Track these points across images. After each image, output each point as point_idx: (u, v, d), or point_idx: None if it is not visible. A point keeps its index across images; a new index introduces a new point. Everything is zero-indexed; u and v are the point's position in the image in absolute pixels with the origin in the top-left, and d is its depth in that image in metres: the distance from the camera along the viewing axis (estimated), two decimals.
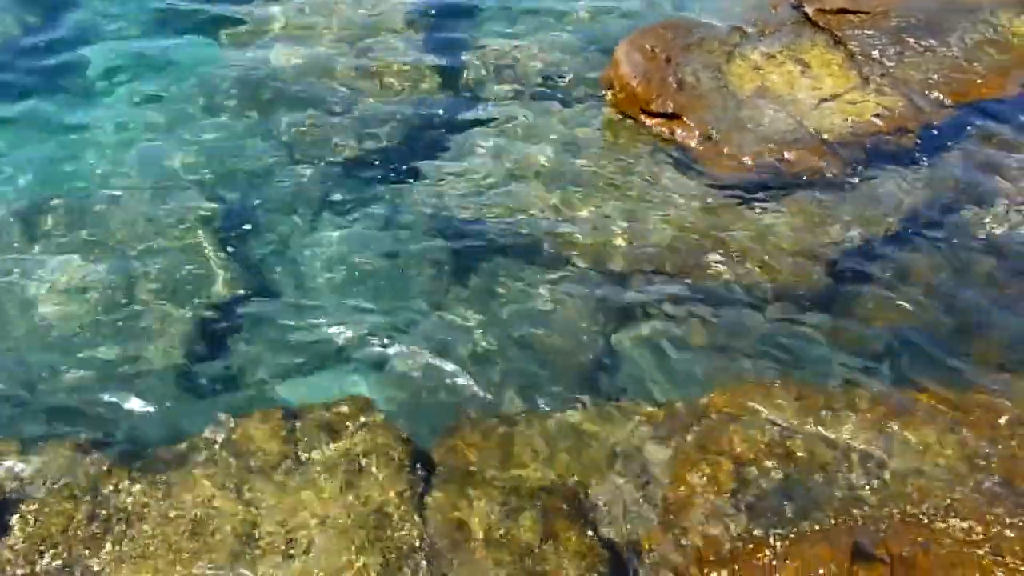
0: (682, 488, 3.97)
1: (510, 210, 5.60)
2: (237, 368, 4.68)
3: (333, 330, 4.85)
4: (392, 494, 3.89)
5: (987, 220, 5.52)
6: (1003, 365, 4.66)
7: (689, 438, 4.19)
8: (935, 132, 6.03)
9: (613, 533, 3.84)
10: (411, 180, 5.82)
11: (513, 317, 4.95)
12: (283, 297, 5.05)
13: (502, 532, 3.77)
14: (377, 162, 5.96)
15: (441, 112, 6.43)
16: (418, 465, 4.05)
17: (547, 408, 4.42)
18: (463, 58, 7.03)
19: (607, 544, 3.77)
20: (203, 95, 6.52)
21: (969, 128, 6.12)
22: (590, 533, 3.79)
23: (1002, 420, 4.19)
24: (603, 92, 6.53)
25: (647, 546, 3.74)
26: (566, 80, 6.84)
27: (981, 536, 3.64)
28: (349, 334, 4.83)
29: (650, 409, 4.39)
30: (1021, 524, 3.67)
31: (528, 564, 3.66)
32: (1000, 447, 4.06)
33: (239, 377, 4.65)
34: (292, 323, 4.88)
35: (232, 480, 3.93)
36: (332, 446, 4.10)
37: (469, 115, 6.42)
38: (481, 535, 3.76)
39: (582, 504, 3.93)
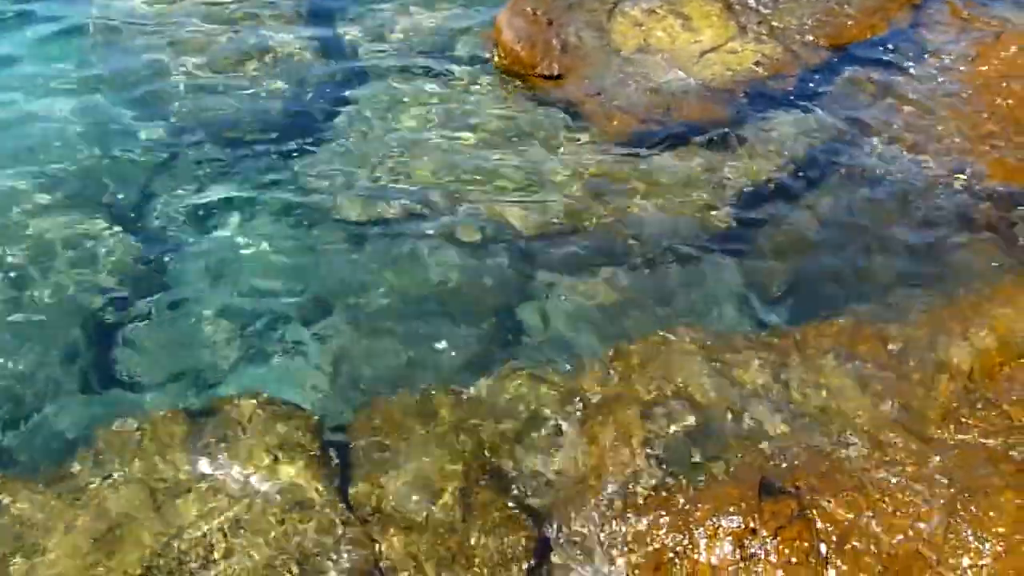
0: (595, 446, 4.02)
1: (405, 182, 5.52)
2: (137, 370, 4.50)
3: (233, 322, 4.71)
4: (308, 484, 3.83)
5: (867, 155, 5.73)
6: (892, 293, 4.87)
7: (598, 395, 4.24)
8: (813, 75, 6.21)
9: (534, 502, 3.87)
10: (299, 160, 5.65)
11: (417, 291, 4.90)
12: (177, 290, 4.86)
13: (423, 513, 3.76)
14: (264, 144, 5.74)
15: (327, 88, 6.26)
16: (332, 451, 4.00)
17: (458, 381, 4.40)
18: (345, 29, 6.84)
19: (529, 513, 3.80)
20: (77, 81, 6.18)
21: (844, 69, 6.32)
22: (511, 504, 3.81)
23: (891, 347, 4.37)
24: (489, 56, 6.47)
25: (567, 510, 3.79)
26: (452, 46, 6.73)
27: (879, 458, 3.81)
28: (250, 324, 4.70)
29: (560, 372, 4.43)
30: (914, 445, 3.86)
31: (451, 542, 3.67)
32: (892, 372, 4.24)
33: (139, 379, 4.46)
34: (190, 318, 4.72)
35: (140, 487, 3.80)
36: (242, 442, 4.00)
37: (355, 89, 6.28)
38: (401, 517, 3.75)
39: (500, 475, 3.94)
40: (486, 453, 4.03)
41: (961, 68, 6.22)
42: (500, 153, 5.72)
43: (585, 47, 6.27)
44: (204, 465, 3.90)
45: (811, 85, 6.13)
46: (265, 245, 5.11)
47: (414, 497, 3.82)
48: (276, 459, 3.92)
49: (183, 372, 4.49)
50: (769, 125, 5.84)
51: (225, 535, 3.64)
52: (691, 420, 4.08)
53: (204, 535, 3.64)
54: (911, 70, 6.29)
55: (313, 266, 5.02)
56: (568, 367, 4.48)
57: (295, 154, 5.69)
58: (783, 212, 5.35)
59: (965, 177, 5.54)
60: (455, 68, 6.49)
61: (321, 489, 3.81)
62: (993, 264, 5.00)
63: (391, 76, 6.39)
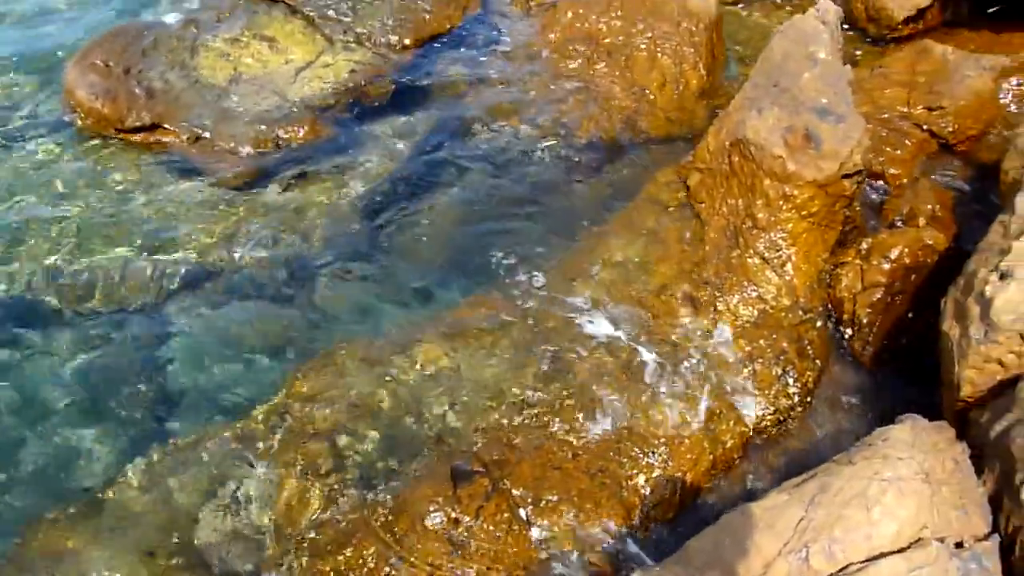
0: (287, 489, 3.88)
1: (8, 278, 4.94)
2: None
3: None
4: None
5: (473, 133, 6.03)
6: (531, 262, 5.16)
7: (277, 438, 4.09)
8: (406, 73, 6.42)
9: (237, 565, 3.65)
10: None
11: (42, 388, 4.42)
12: None
13: None
14: None
15: None
16: None
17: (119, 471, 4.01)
18: None
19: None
20: None
21: (434, 60, 6.61)
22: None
23: (533, 305, 4.66)
24: (69, 118, 5.91)
25: (264, 570, 3.61)
26: (24, 113, 6.09)
27: (549, 416, 4.06)
28: None
29: (227, 423, 4.20)
30: (577, 394, 4.15)
31: None
32: (541, 330, 4.52)
33: None
34: None
35: None
36: None
37: None
38: None
39: (190, 551, 3.66)
40: (175, 536, 3.72)
41: (532, 39, 6.77)
42: (112, 223, 5.27)
43: (174, 89, 5.95)
44: None
45: (406, 82, 6.34)
46: None
47: None
48: None
49: None
50: (377, 129, 5.96)
51: None
52: (375, 433, 4.07)
53: None
54: (492, 49, 6.74)
55: None
56: (236, 415, 4.26)
57: None
58: (411, 206, 5.48)
59: (562, 134, 6.05)
60: (36, 141, 5.86)
61: None
62: (601, 204, 5.52)
63: None
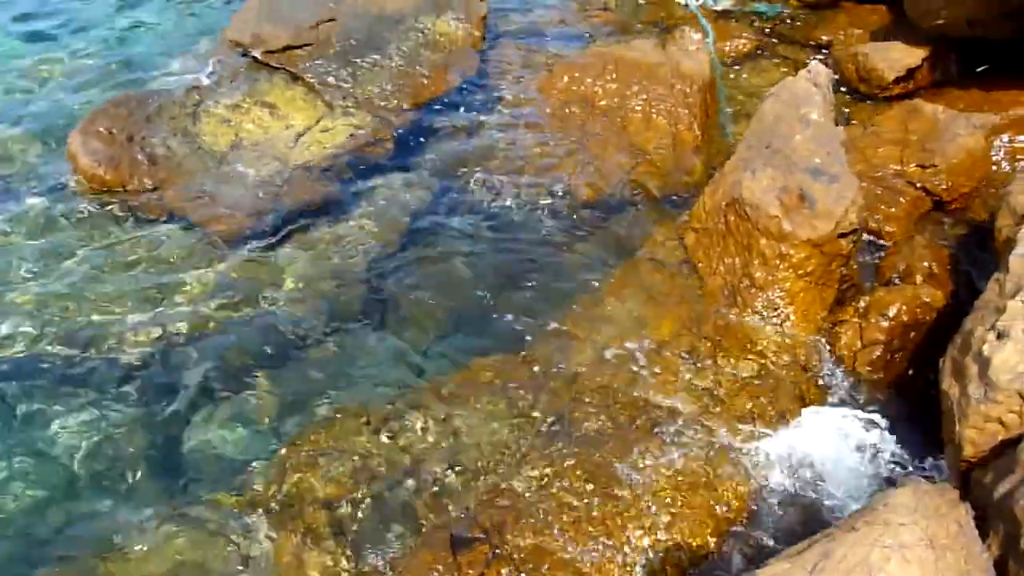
0: (285, 555, 3.84)
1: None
2: None
3: None
4: None
5: (473, 191, 6.09)
6: (532, 322, 5.16)
7: (277, 500, 4.06)
8: (406, 135, 6.53)
9: None
10: None
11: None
12: None
13: None
14: None
15: None
16: None
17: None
18: None
19: None
20: None
21: (432, 123, 6.72)
22: None
23: (537, 369, 4.66)
24: (73, 183, 5.99)
25: None
26: (29, 178, 6.19)
27: (550, 475, 4.03)
28: None
29: (231, 490, 4.17)
30: (576, 455, 4.13)
31: None
32: (543, 395, 4.51)
33: None
34: None
35: None
36: None
37: None
38: None
39: None
40: None
41: (530, 102, 6.89)
42: (115, 289, 5.31)
43: (176, 155, 6.04)
44: None
45: (406, 144, 6.44)
46: None
47: None
48: None
49: None
50: (378, 190, 6.02)
51: None
52: (375, 498, 4.04)
53: None
54: (490, 111, 6.85)
55: None
56: (234, 478, 4.23)
57: None
58: (410, 267, 5.51)
59: (561, 193, 6.11)
60: (39, 204, 5.93)
61: None
62: (601, 262, 5.55)
63: None
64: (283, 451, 4.33)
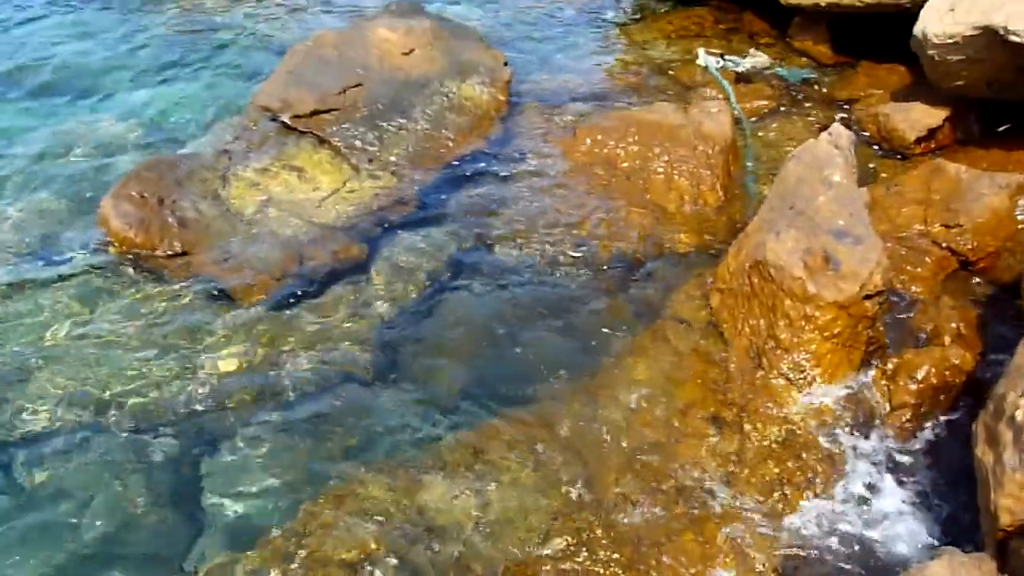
0: None
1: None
2: None
3: None
4: None
5: (495, 252, 6.14)
6: (556, 382, 5.13)
7: (295, 567, 4.02)
8: (430, 195, 6.61)
9: None
10: None
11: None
12: None
13: None
14: None
15: None
16: None
17: None
18: None
19: None
20: None
21: (457, 183, 6.80)
22: None
23: (561, 431, 4.63)
24: (104, 246, 6.11)
25: None
26: (62, 245, 6.30)
27: (577, 544, 3.98)
28: None
29: (246, 554, 4.13)
30: (604, 520, 4.08)
31: None
32: (569, 457, 4.48)
33: None
34: None
35: None
36: None
37: None
38: None
39: None
40: None
41: (553, 163, 6.97)
42: (143, 350, 5.36)
43: (205, 218, 6.15)
44: None
45: (431, 205, 6.52)
46: None
47: None
48: None
49: None
50: (400, 249, 6.08)
51: None
52: (395, 560, 4.00)
53: None
54: (514, 172, 6.93)
55: None
56: (259, 542, 4.19)
57: None
58: (433, 326, 5.53)
59: (584, 253, 6.14)
60: (71, 268, 6.04)
61: None
62: (625, 323, 5.54)
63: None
64: (304, 512, 4.31)
